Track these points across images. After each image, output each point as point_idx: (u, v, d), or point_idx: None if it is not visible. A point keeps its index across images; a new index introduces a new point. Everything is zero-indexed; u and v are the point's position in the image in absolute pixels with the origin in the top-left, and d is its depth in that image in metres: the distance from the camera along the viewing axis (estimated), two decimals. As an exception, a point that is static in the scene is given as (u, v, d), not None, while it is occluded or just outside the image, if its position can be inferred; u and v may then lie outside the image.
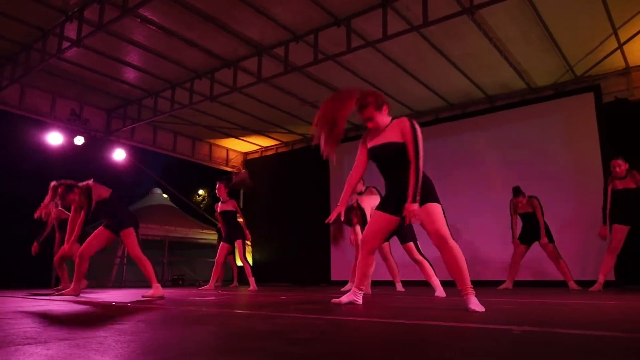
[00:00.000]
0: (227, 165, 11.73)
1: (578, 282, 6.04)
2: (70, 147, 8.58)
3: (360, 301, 3.19)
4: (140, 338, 1.72)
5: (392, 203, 2.97)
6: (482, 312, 2.56)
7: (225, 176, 6.99)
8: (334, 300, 3.20)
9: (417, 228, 3.75)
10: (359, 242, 3.13)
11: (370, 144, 3.06)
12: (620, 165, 5.50)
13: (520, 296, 4.43)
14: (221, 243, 6.78)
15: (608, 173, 6.48)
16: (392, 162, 2.94)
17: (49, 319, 2.49)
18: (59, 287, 6.50)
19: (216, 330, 2.00)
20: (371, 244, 3.07)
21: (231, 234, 6.76)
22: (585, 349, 1.46)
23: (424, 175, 2.85)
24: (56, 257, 6.20)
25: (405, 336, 1.78)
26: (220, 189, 6.72)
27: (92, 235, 4.51)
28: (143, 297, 4.23)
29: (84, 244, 4.50)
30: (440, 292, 4.63)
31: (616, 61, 7.04)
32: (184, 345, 1.55)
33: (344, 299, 3.18)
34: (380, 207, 3.04)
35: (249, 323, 2.28)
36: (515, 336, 1.70)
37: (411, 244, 5.09)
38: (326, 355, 1.33)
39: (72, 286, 4.66)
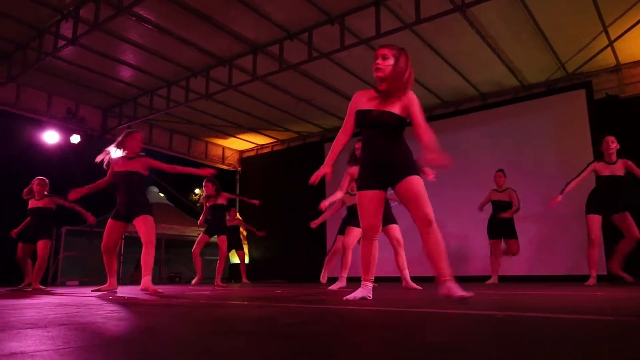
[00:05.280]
0: (223, 163, 11.76)
1: (570, 277, 6.11)
2: (67, 145, 8.62)
3: (371, 296, 2.90)
4: (137, 323, 1.79)
5: (376, 178, 2.79)
6: (468, 296, 2.43)
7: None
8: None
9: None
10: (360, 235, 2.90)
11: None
12: (614, 142, 5.13)
13: (508, 289, 4.51)
14: (200, 235, 6.98)
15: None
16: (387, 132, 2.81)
17: (49, 309, 2.55)
18: (23, 284, 6.25)
19: (211, 317, 2.07)
20: (374, 229, 2.82)
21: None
22: (560, 329, 1.53)
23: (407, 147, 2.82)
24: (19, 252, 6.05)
25: (391, 321, 1.86)
26: (208, 187, 7.08)
27: (106, 228, 4.51)
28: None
29: (103, 239, 4.49)
30: (407, 284, 4.70)
31: (607, 58, 7.12)
32: (180, 329, 1.62)
33: (357, 294, 2.87)
34: (364, 186, 2.82)
35: (242, 311, 2.35)
36: (497, 320, 1.78)
37: (396, 226, 4.85)
38: (312, 335, 1.40)
39: (108, 282, 4.62)
